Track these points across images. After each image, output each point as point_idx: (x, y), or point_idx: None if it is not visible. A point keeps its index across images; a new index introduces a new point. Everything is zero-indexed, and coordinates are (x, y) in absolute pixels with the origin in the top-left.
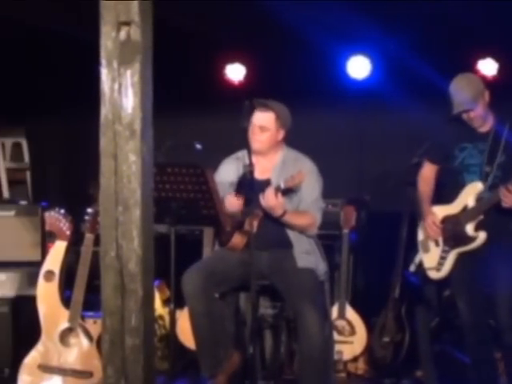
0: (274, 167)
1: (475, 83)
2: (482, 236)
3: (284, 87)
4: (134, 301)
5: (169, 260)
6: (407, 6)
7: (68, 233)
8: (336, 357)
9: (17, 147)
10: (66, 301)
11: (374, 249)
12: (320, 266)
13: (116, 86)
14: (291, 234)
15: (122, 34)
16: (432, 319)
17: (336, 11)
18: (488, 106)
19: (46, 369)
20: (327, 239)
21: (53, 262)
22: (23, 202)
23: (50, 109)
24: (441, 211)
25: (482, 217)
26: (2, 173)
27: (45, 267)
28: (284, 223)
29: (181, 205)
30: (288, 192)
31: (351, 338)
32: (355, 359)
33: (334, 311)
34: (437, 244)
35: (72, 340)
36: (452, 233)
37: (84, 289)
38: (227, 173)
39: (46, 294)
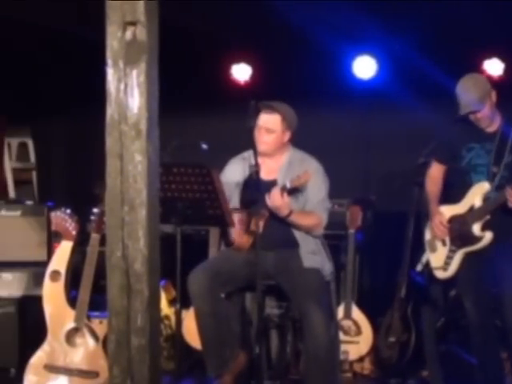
0: (280, 168)
1: (482, 84)
2: (488, 236)
3: (290, 87)
4: (139, 301)
5: (175, 260)
6: (413, 6)
7: (74, 233)
8: (342, 357)
9: (23, 147)
10: (72, 301)
11: (379, 249)
12: (326, 266)
13: (122, 86)
14: (297, 234)
15: (128, 34)
16: (438, 319)
17: (342, 11)
18: (495, 106)
19: (52, 369)
20: (333, 239)
21: (59, 262)
22: (29, 202)
23: (55, 109)
24: (448, 211)
25: (488, 217)
26: (8, 173)
27: (51, 267)
28: (290, 223)
29: (187, 205)
30: (294, 192)
31: (357, 338)
32: (361, 359)
33: (340, 311)
34: (444, 244)
35: (78, 340)
36: (459, 232)
37: (90, 289)
38: (233, 173)
39: (52, 294)
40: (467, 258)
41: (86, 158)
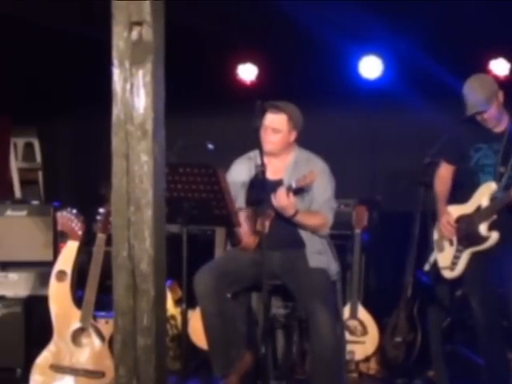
0: (286, 168)
1: (488, 84)
2: (494, 236)
3: (296, 87)
4: (145, 301)
5: (181, 260)
6: (419, 5)
7: (80, 233)
8: (348, 357)
9: (29, 147)
10: (78, 301)
11: (385, 249)
12: (332, 265)
13: (128, 86)
14: (303, 234)
15: (134, 34)
16: (444, 319)
17: (348, 11)
18: (502, 106)
19: (58, 369)
20: (339, 239)
21: (65, 262)
22: (35, 202)
23: (61, 109)
24: (456, 211)
25: (495, 217)
26: (14, 173)
27: (57, 267)
28: (296, 223)
29: (193, 205)
30: (300, 192)
31: (363, 338)
32: (367, 359)
33: (346, 311)
34: (451, 243)
35: (84, 340)
36: (466, 232)
37: (96, 289)
38: (239, 173)
39: (58, 294)
40: (474, 257)
41: (92, 158)
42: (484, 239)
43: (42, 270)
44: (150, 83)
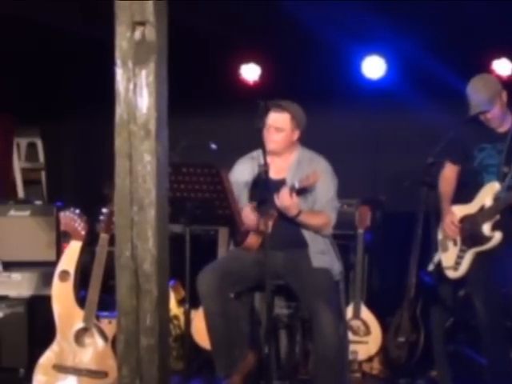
0: (289, 167)
1: (492, 84)
2: (497, 236)
3: (299, 87)
4: (148, 301)
5: (184, 260)
6: (422, 5)
7: (83, 233)
8: (351, 357)
9: (32, 147)
10: (81, 301)
11: (388, 249)
12: (335, 265)
13: (131, 86)
14: (306, 234)
15: (137, 34)
16: (447, 319)
17: (351, 11)
18: (506, 106)
19: (61, 369)
20: (342, 239)
21: (68, 261)
22: (38, 202)
23: (64, 109)
24: (460, 211)
25: (498, 217)
26: (17, 173)
27: (60, 267)
28: (299, 223)
29: (196, 205)
30: (303, 192)
31: (366, 338)
32: (370, 359)
33: (349, 311)
34: (455, 243)
35: (87, 340)
36: (469, 232)
37: (99, 289)
38: (242, 172)
39: (61, 294)
40: (477, 257)
41: (95, 158)
42: (487, 239)
43: (45, 270)
44: (153, 83)
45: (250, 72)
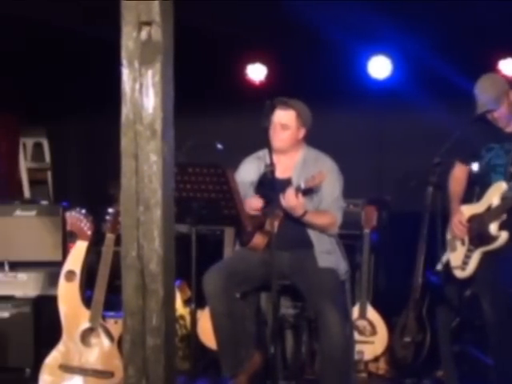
0: (294, 166)
1: (499, 84)
2: (504, 235)
3: (305, 87)
4: (155, 301)
5: (190, 260)
6: (428, 6)
7: (89, 233)
8: (357, 357)
9: (38, 147)
10: (87, 301)
11: (395, 249)
12: (341, 265)
13: (137, 86)
14: (312, 234)
15: (143, 34)
16: (453, 319)
17: (357, 11)
18: None
19: (67, 369)
20: (348, 239)
21: (74, 262)
22: (44, 202)
23: (70, 109)
24: (468, 210)
25: (505, 216)
26: (23, 173)
27: (66, 267)
28: (305, 223)
29: (202, 205)
30: (308, 192)
31: (372, 338)
32: (376, 359)
33: (355, 311)
34: (463, 243)
35: (93, 340)
36: (477, 232)
37: (105, 289)
38: (248, 172)
39: (67, 294)
40: (485, 257)
41: (101, 158)
42: (494, 239)
43: (51, 270)
44: (159, 83)
45: (256, 72)
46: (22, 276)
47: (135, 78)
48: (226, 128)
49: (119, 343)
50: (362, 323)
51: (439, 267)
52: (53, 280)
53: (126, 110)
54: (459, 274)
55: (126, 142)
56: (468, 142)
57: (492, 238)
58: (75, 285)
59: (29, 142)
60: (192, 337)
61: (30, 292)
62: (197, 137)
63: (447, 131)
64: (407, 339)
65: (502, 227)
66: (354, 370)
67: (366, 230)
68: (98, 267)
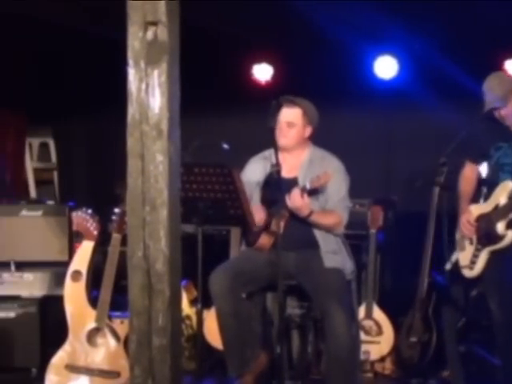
0: (301, 165)
1: (507, 82)
2: (510, 234)
3: (311, 87)
4: (161, 301)
5: (196, 260)
6: (434, 5)
7: (95, 233)
8: (363, 357)
9: (44, 147)
10: (93, 301)
11: (401, 249)
12: (347, 265)
13: (143, 86)
14: (318, 234)
15: (149, 34)
16: (459, 319)
17: (363, 11)
18: None
19: (73, 369)
20: (354, 239)
21: (80, 262)
22: (50, 202)
23: (77, 109)
24: (476, 210)
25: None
26: (30, 173)
27: (72, 267)
28: (310, 223)
29: (208, 205)
30: (314, 192)
31: (378, 338)
32: (382, 359)
33: (362, 311)
34: (471, 242)
35: (99, 340)
36: (484, 231)
37: (111, 289)
38: (254, 172)
39: (73, 294)
40: (492, 257)
41: (108, 158)
42: (501, 238)
43: (58, 270)
44: (166, 83)
45: (263, 72)
46: (28, 276)
47: (141, 78)
48: (232, 128)
49: (125, 343)
50: (368, 323)
51: (448, 266)
52: (59, 280)
53: (132, 110)
54: (467, 273)
55: (132, 142)
56: (476, 141)
57: (499, 237)
58: (81, 285)
59: (35, 142)
60: (198, 337)
61: (36, 292)
62: (203, 137)
63: (454, 131)
64: (413, 339)
65: (509, 226)
66: (360, 370)
67: (372, 230)
68: (104, 267)
